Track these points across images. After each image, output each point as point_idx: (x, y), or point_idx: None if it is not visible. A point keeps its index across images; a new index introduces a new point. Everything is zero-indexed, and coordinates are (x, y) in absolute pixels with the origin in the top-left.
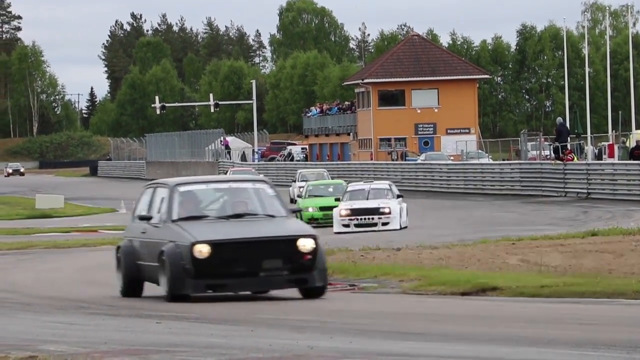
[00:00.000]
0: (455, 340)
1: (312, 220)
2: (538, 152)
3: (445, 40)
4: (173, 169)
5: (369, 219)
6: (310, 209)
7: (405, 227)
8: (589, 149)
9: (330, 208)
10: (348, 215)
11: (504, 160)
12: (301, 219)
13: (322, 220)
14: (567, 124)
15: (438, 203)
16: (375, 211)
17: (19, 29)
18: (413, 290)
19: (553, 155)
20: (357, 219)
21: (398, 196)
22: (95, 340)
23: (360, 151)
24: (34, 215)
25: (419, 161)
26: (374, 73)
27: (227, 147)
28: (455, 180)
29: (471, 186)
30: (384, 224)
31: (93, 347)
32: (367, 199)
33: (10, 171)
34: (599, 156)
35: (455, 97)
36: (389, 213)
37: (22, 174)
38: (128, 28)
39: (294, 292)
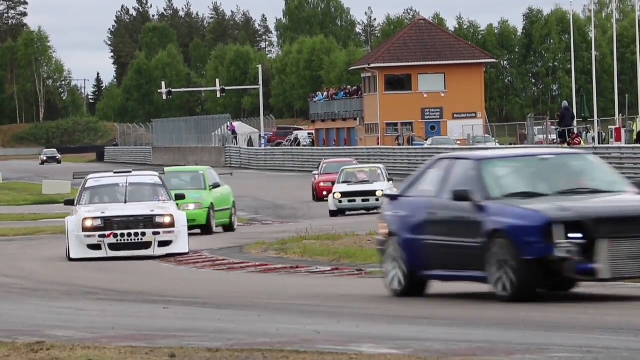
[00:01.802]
0: (463, 324)
1: None
2: (545, 136)
3: (451, 24)
4: (180, 155)
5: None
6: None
7: None
8: (595, 133)
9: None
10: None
11: (510, 144)
12: None
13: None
14: (574, 108)
15: None
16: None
17: (25, 14)
18: None
19: (559, 139)
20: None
21: (388, 180)
22: (102, 326)
23: (367, 136)
24: (40, 201)
25: (425, 146)
26: (380, 58)
27: (233, 132)
28: None
29: None
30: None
31: (100, 333)
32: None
33: (45, 158)
34: (599, 141)
35: (462, 81)
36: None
37: (59, 162)
38: (134, 13)
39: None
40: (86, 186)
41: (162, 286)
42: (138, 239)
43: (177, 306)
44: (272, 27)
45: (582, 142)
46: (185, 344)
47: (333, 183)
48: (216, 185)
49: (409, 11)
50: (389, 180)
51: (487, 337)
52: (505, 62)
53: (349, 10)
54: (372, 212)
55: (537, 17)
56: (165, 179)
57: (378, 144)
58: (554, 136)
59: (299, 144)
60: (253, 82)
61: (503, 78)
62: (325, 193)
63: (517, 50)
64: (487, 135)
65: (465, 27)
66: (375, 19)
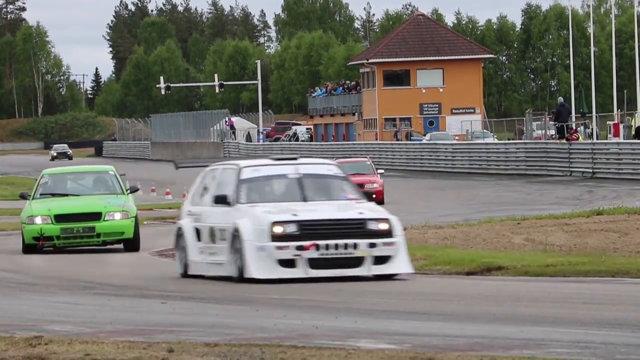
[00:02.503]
0: (460, 319)
1: None
2: (543, 131)
3: (450, 19)
4: (178, 150)
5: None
6: None
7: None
8: (593, 128)
9: None
10: None
11: (509, 140)
12: None
13: None
14: (573, 104)
15: (443, 183)
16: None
17: (23, 9)
18: (418, 270)
19: (557, 135)
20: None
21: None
22: (100, 321)
23: (365, 131)
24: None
25: (424, 141)
26: (378, 53)
27: (232, 127)
28: (460, 160)
29: (476, 166)
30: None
31: (98, 327)
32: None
33: (55, 154)
34: (591, 136)
35: (460, 76)
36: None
37: (70, 158)
38: (133, 8)
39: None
40: (242, 178)
41: (160, 281)
42: (348, 253)
43: (175, 301)
44: (270, 22)
45: (580, 138)
46: (183, 339)
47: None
48: (134, 189)
49: (408, 6)
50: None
51: (485, 333)
52: (503, 58)
53: (348, 5)
54: None
55: (536, 13)
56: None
57: (376, 139)
58: (552, 132)
59: (297, 139)
60: (251, 77)
61: (501, 73)
62: None
63: (515, 45)
64: (485, 130)
65: (463, 22)
66: (373, 14)
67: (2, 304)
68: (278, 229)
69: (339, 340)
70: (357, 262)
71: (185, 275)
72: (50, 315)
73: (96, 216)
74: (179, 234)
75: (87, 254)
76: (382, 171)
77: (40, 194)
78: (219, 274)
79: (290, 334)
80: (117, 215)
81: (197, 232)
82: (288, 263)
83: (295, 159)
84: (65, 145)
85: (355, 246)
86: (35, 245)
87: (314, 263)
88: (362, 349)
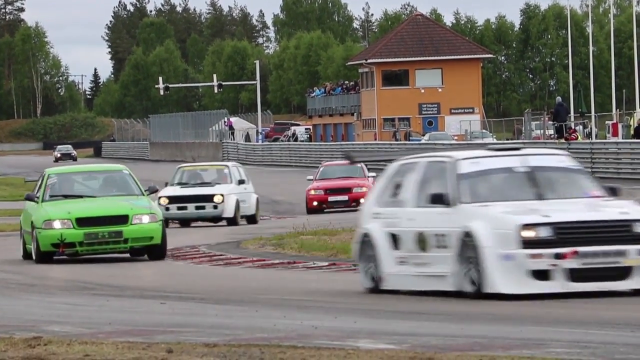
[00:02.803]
0: (460, 319)
1: None
2: (542, 131)
3: (449, 19)
4: (177, 150)
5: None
6: None
7: None
8: (592, 128)
9: None
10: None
11: (507, 139)
12: None
13: None
14: (571, 103)
15: None
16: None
17: (22, 9)
18: None
19: (556, 135)
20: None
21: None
22: (99, 321)
23: (364, 131)
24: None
25: (422, 141)
26: (377, 53)
27: (231, 127)
28: None
29: None
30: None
31: (97, 328)
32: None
33: (59, 155)
34: (589, 135)
35: (459, 76)
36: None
37: (74, 159)
38: (131, 9)
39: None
40: (460, 172)
41: (159, 281)
42: (613, 262)
43: (175, 301)
44: (269, 22)
45: (579, 137)
46: (183, 340)
47: (327, 191)
48: (153, 190)
49: (407, 6)
50: (240, 182)
51: (485, 332)
52: (502, 58)
53: (346, 5)
54: (212, 223)
55: (535, 13)
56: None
57: (375, 139)
58: (551, 131)
59: (296, 140)
60: (250, 77)
61: (500, 73)
62: (315, 204)
63: (514, 45)
64: (484, 130)
65: (462, 22)
66: (372, 14)
67: (1, 305)
68: (529, 233)
69: (338, 340)
70: (625, 273)
71: (375, 290)
72: (50, 316)
73: (123, 219)
74: (365, 241)
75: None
76: (375, 174)
77: (50, 196)
78: (436, 288)
79: (289, 334)
80: (145, 218)
81: (394, 238)
82: (542, 275)
83: (518, 149)
84: (69, 146)
85: (622, 253)
86: (53, 253)
87: (574, 274)
88: (361, 349)
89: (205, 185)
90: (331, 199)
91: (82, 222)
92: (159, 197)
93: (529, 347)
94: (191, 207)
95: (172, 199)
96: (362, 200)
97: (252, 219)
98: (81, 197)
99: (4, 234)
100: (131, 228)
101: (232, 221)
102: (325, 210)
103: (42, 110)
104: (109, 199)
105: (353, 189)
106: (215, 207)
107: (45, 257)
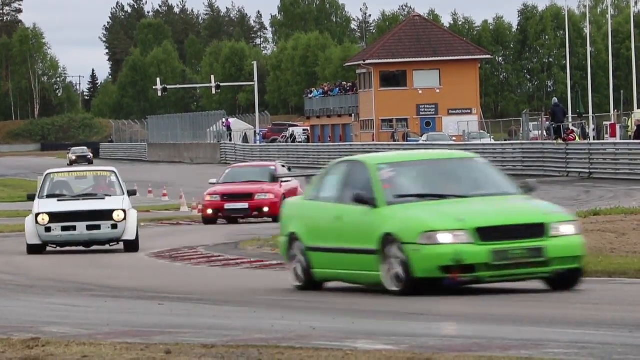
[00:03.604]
0: (458, 320)
1: None
2: (540, 132)
3: (446, 20)
4: (175, 151)
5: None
6: None
7: None
8: (590, 129)
9: None
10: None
11: (505, 140)
12: None
13: None
14: (569, 104)
15: None
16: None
17: (19, 11)
18: None
19: (554, 135)
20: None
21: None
22: (97, 322)
23: (362, 132)
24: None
25: (420, 142)
26: (375, 54)
27: (228, 128)
28: None
29: None
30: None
31: (95, 329)
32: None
33: (74, 157)
34: (584, 135)
35: (457, 77)
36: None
37: (90, 162)
38: (129, 10)
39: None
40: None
41: (157, 282)
42: None
43: (173, 302)
44: (267, 23)
45: (577, 138)
46: (181, 340)
47: (224, 197)
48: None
49: (404, 7)
50: (131, 193)
51: (483, 333)
52: (500, 58)
53: (344, 6)
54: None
55: (532, 13)
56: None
57: (373, 140)
58: (541, 132)
59: (294, 141)
60: (248, 78)
61: (498, 74)
62: (210, 212)
63: (512, 46)
64: (482, 131)
65: (460, 23)
66: (370, 15)
67: None
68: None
69: (336, 341)
70: None
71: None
72: (48, 317)
73: (539, 230)
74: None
75: (84, 253)
76: (297, 182)
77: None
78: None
79: (287, 335)
80: (567, 229)
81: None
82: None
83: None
84: (85, 147)
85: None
86: (439, 280)
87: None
88: (359, 350)
89: (92, 197)
90: (228, 206)
91: (486, 233)
92: (36, 215)
93: (527, 347)
94: (81, 227)
95: (55, 217)
96: (265, 209)
97: (131, 245)
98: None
99: (2, 235)
100: (552, 243)
101: (131, 245)
102: (218, 221)
103: (40, 112)
104: (505, 199)
105: (255, 195)
106: (114, 226)
107: (424, 285)
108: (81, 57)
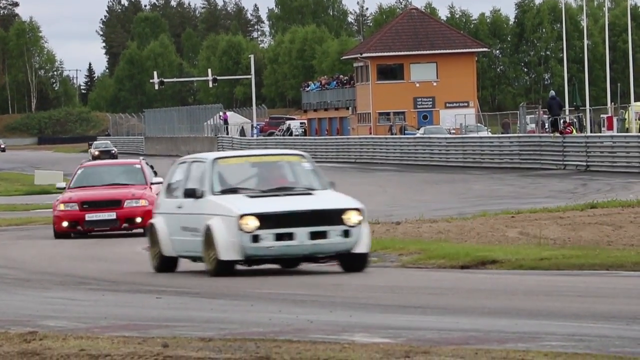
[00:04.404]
0: (455, 313)
1: None
2: (538, 123)
3: (443, 13)
4: (172, 145)
5: None
6: None
7: None
8: (587, 122)
9: None
10: None
11: (502, 133)
12: None
13: None
14: (566, 97)
15: (437, 177)
16: None
17: (16, 4)
18: (412, 264)
19: (551, 129)
20: None
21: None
22: (95, 316)
23: (359, 125)
24: (32, 191)
25: (417, 135)
26: (372, 47)
27: (226, 122)
28: (454, 154)
29: (470, 160)
30: None
31: (93, 323)
32: None
33: (97, 153)
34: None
35: (454, 70)
36: None
37: (114, 157)
38: (126, 3)
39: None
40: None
41: (154, 276)
42: None
43: (170, 296)
44: (264, 16)
45: (574, 131)
46: (178, 334)
47: (86, 206)
48: None
49: (401, 0)
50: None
51: (480, 326)
52: (497, 51)
53: None
54: None
55: (529, 6)
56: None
57: (370, 133)
58: (532, 125)
59: (291, 134)
60: (245, 72)
61: (495, 67)
62: (66, 225)
63: (509, 39)
64: (479, 124)
65: (457, 16)
66: (367, 9)
67: None
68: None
69: (334, 334)
70: None
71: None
72: (45, 311)
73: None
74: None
75: (81, 247)
76: (161, 179)
77: None
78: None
79: (285, 329)
80: None
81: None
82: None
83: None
84: (108, 142)
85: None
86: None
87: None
88: (357, 343)
89: (292, 192)
90: (90, 217)
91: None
92: (239, 217)
93: (524, 340)
94: (302, 235)
95: (266, 221)
96: (138, 220)
97: (362, 261)
98: None
99: (0, 228)
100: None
101: (362, 260)
102: (73, 235)
103: (37, 105)
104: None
105: (124, 203)
106: (346, 233)
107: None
108: (78, 51)
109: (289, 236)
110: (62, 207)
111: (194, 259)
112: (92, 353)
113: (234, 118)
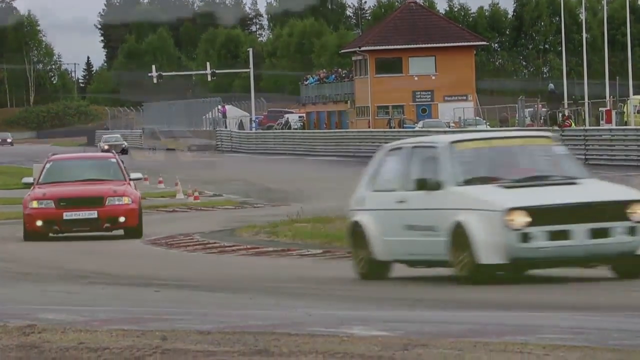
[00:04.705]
0: (454, 306)
1: None
2: (535, 116)
3: (442, 7)
4: (170, 138)
5: None
6: None
7: None
8: (586, 115)
9: None
10: None
11: (501, 126)
12: None
13: None
14: (565, 90)
15: None
16: None
17: None
18: None
19: (550, 121)
20: None
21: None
22: (94, 309)
23: (358, 119)
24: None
25: (416, 128)
26: (371, 41)
27: (224, 115)
28: None
29: None
30: None
31: (92, 316)
32: None
33: (106, 147)
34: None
35: (453, 64)
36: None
37: (124, 151)
38: None
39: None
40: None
41: (153, 269)
42: None
43: (169, 289)
44: (262, 10)
45: (573, 124)
46: (177, 327)
47: (61, 203)
48: None
49: None
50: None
51: (479, 319)
52: (496, 45)
53: None
54: None
55: (528, 0)
56: None
57: (369, 127)
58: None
59: (289, 127)
60: (244, 65)
61: (494, 60)
62: (40, 224)
63: (507, 32)
64: (478, 117)
65: (455, 9)
66: (365, 2)
67: None
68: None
69: (332, 327)
70: None
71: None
72: (44, 304)
73: None
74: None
75: (79, 240)
76: (140, 175)
77: None
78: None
79: (283, 322)
80: None
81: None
82: None
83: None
84: (118, 135)
85: None
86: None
87: None
88: (355, 336)
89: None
90: (68, 215)
91: None
92: (507, 211)
93: (523, 333)
94: (579, 233)
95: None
96: (121, 219)
97: None
98: None
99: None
100: None
101: None
102: (51, 235)
103: (35, 99)
104: None
105: (106, 200)
106: (632, 230)
107: None
108: (76, 44)
109: (565, 234)
110: (35, 204)
111: (417, 263)
112: (90, 346)
113: (233, 111)
